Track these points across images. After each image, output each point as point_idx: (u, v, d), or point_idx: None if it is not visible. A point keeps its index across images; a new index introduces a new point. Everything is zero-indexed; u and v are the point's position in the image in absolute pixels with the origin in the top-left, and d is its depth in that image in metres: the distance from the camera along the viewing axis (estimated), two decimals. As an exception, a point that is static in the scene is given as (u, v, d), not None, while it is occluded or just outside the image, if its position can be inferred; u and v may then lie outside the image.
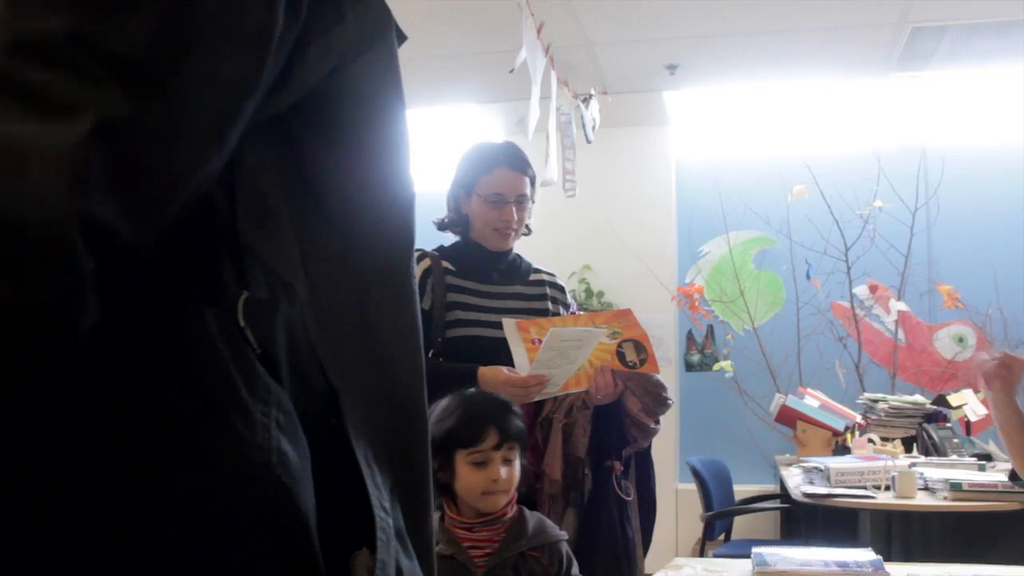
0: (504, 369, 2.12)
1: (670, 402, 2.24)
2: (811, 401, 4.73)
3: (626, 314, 2.30)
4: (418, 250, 2.18)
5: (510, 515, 1.79)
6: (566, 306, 2.52)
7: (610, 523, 2.18)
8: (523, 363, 2.12)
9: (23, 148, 0.50)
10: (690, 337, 5.82)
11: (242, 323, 0.65)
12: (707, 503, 4.28)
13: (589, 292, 5.71)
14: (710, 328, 5.79)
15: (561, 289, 2.54)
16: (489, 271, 2.38)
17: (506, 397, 1.91)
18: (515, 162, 2.35)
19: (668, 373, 5.60)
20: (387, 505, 0.72)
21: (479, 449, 1.73)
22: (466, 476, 1.73)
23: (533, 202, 2.43)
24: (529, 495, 2.09)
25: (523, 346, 2.14)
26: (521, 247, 6.55)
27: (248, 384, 0.63)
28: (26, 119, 0.50)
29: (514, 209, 2.33)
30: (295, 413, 0.66)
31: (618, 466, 2.22)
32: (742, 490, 4.95)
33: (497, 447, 1.74)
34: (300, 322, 0.69)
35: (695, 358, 5.81)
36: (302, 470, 0.65)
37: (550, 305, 2.43)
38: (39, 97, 0.51)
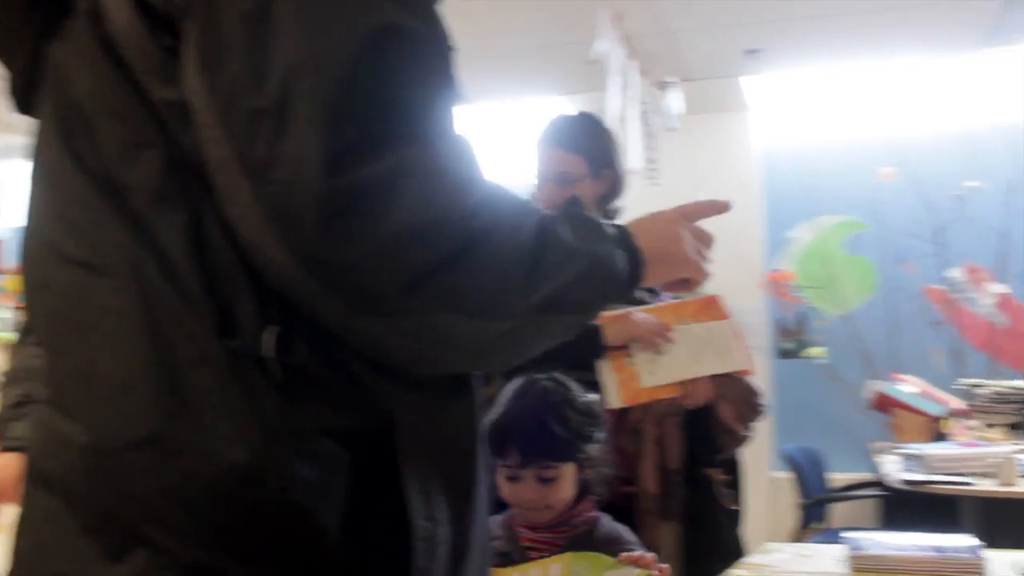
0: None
1: (766, 412, 2.11)
2: (907, 387, 4.63)
3: (713, 302, 2.07)
4: None
5: (581, 519, 1.67)
6: (654, 291, 2.17)
7: (723, 536, 2.06)
8: (610, 380, 1.91)
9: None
10: (781, 324, 5.73)
11: (269, 354, 0.72)
12: (803, 491, 4.23)
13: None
14: (801, 315, 5.69)
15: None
16: None
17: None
18: (553, 137, 2.17)
19: (759, 361, 5.54)
20: (436, 515, 0.77)
21: (506, 464, 1.61)
22: (503, 487, 1.63)
23: (588, 181, 2.13)
24: (616, 502, 1.94)
25: (610, 363, 1.93)
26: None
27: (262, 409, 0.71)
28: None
29: (552, 188, 2.13)
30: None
31: (718, 475, 2.08)
32: (837, 478, 4.87)
33: (523, 465, 1.59)
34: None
35: (787, 345, 5.72)
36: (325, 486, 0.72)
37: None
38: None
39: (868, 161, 5.36)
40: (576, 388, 1.72)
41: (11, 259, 5.08)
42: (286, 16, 0.68)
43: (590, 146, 2.15)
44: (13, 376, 1.26)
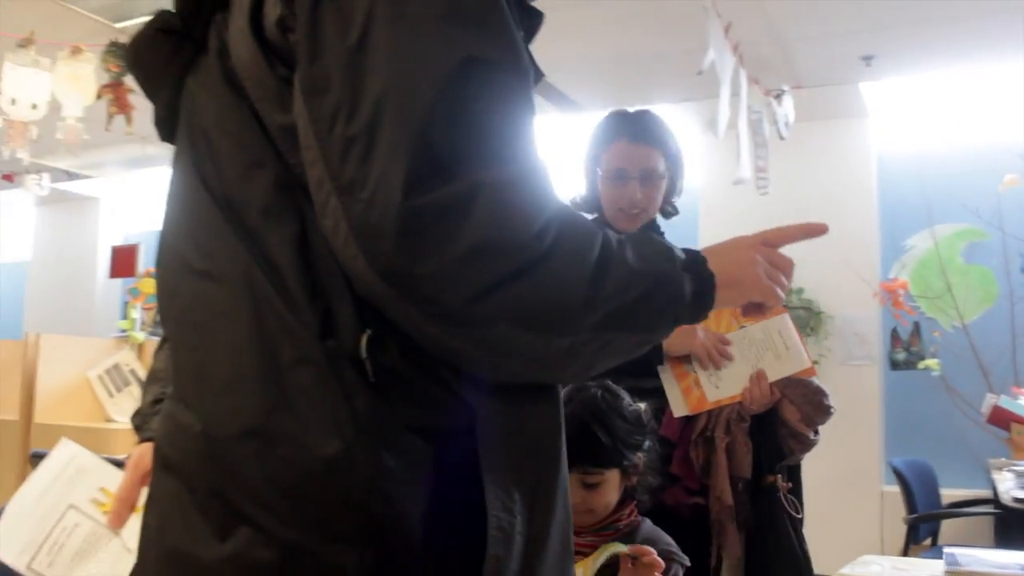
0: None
1: (832, 410, 2.00)
2: (1027, 402, 4.49)
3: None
4: None
5: (624, 523, 1.67)
6: None
7: (788, 544, 2.00)
8: (673, 389, 1.92)
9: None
10: (895, 334, 5.61)
11: (363, 355, 0.80)
12: (910, 506, 4.15)
13: (788, 288, 5.62)
14: (916, 325, 5.56)
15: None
16: None
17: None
18: (638, 133, 2.07)
19: (872, 372, 5.45)
20: (514, 507, 0.84)
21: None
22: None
23: (668, 177, 2.11)
24: (681, 514, 1.96)
25: (669, 368, 1.93)
26: (713, 236, 6.59)
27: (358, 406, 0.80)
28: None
29: (639, 186, 2.04)
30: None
31: (782, 482, 2.02)
32: (951, 494, 4.75)
33: (569, 469, 1.61)
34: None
35: (900, 356, 5.60)
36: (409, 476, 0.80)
37: None
38: None
39: (990, 168, 5.21)
40: (626, 397, 1.73)
41: (146, 263, 5.38)
42: (379, 52, 0.77)
43: (668, 143, 2.10)
44: (153, 376, 1.40)
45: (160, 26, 0.97)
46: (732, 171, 3.69)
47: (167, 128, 1.00)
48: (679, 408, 1.91)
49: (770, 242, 1.06)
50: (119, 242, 8.41)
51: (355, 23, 0.78)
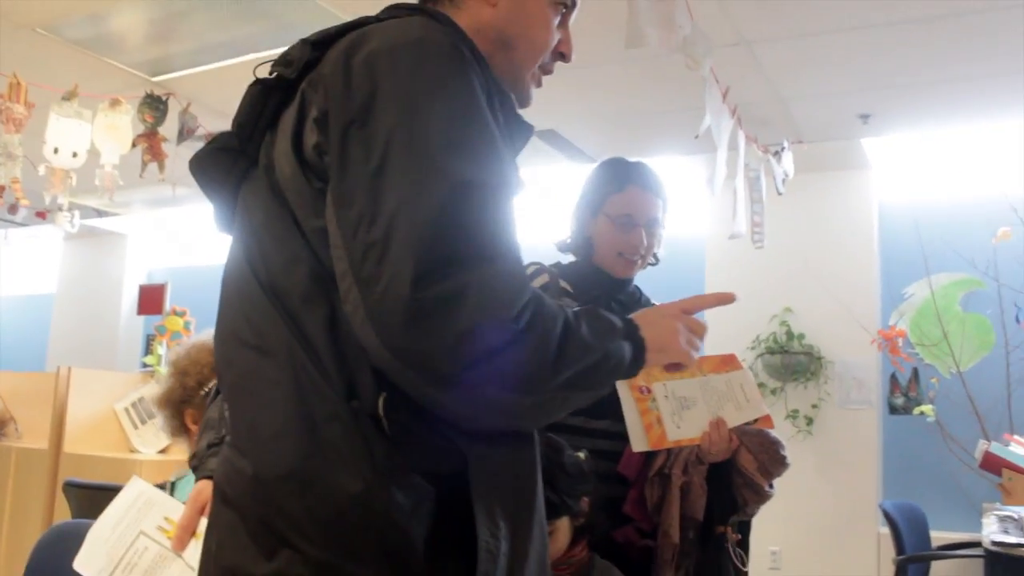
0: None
1: (788, 461, 2.01)
2: (1018, 449, 4.64)
3: (731, 359, 2.05)
4: (535, 263, 2.14)
5: (577, 558, 1.76)
6: None
7: None
8: (636, 425, 1.93)
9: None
10: (894, 380, 5.77)
11: (380, 413, 1.02)
12: (899, 547, 4.30)
13: (790, 334, 5.79)
14: (915, 371, 5.72)
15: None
16: (608, 300, 2.12)
17: (624, 396, 1.81)
18: (648, 182, 2.13)
19: (870, 416, 5.61)
20: (499, 533, 1.05)
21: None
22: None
23: (664, 228, 2.17)
24: (632, 556, 1.98)
25: (634, 404, 1.95)
26: (719, 284, 6.74)
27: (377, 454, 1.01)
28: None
29: (644, 233, 2.10)
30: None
31: (733, 534, 2.02)
32: (943, 537, 4.89)
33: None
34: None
35: (899, 401, 5.75)
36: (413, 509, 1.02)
37: None
38: None
39: (985, 219, 5.39)
40: (566, 448, 1.80)
41: (171, 301, 5.59)
42: (395, 175, 0.99)
43: (666, 196, 2.17)
44: (207, 424, 1.66)
45: (220, 146, 1.22)
46: (728, 226, 3.90)
47: (224, 224, 1.25)
48: (639, 443, 1.92)
49: (688, 309, 1.27)
50: (143, 277, 8.66)
51: (375, 150, 1.01)
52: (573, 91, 4.59)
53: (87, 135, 4.16)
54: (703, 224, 6.17)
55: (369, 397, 1.01)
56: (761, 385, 5.82)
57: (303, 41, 1.15)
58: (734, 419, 1.96)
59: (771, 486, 2.01)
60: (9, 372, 5.65)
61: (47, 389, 4.76)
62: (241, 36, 4.14)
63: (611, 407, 1.90)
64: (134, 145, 4.32)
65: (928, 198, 5.78)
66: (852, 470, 5.58)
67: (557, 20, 1.31)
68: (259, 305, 1.09)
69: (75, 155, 4.14)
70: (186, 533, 1.58)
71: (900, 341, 5.53)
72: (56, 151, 4.09)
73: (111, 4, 3.85)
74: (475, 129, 1.05)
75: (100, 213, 7.80)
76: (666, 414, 1.94)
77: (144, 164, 4.40)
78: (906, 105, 4.58)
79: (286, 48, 1.19)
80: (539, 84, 1.34)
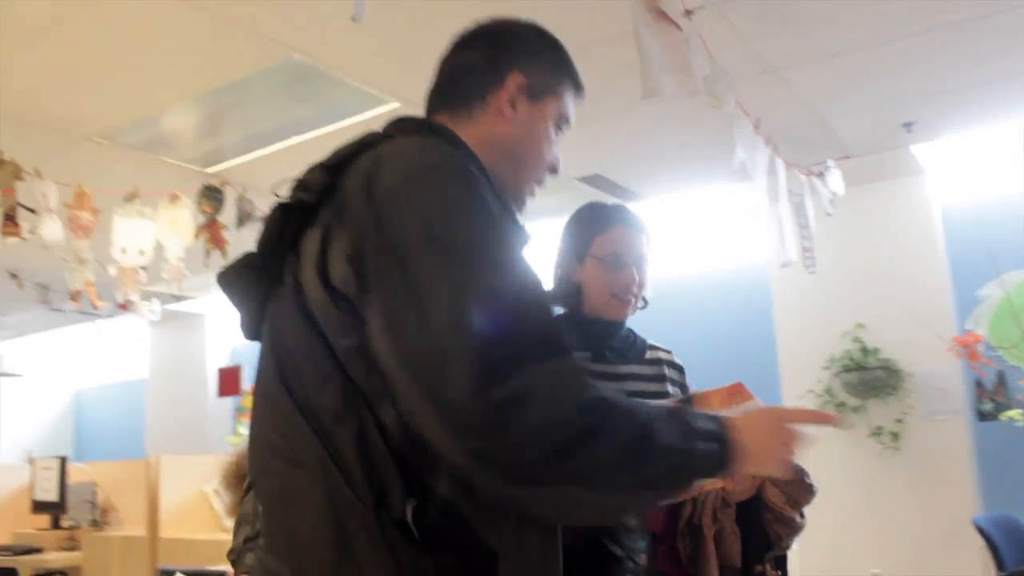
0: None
1: (815, 489, 1.96)
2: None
3: (739, 389, 1.95)
4: None
5: None
6: (685, 388, 2.16)
7: None
8: None
9: None
10: (979, 386, 5.61)
11: (409, 520, 1.08)
12: (999, 563, 4.16)
13: (864, 351, 5.69)
14: (1000, 375, 5.56)
15: (680, 369, 2.19)
16: (602, 349, 2.06)
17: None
18: (632, 219, 2.10)
19: (958, 426, 5.45)
20: None
21: None
22: None
23: (649, 265, 2.13)
24: None
25: None
26: (789, 310, 6.63)
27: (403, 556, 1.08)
28: None
29: (634, 271, 2.06)
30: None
31: (772, 570, 2.00)
32: (1047, 546, 4.71)
33: None
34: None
35: (987, 407, 5.58)
36: None
37: (668, 387, 2.11)
38: None
39: (1054, 212, 5.25)
40: None
41: (250, 380, 5.77)
42: (439, 294, 1.04)
43: (647, 230, 2.14)
44: (242, 519, 1.72)
45: (245, 264, 1.30)
46: (777, 255, 3.88)
47: (251, 331, 1.34)
48: None
49: (787, 419, 1.25)
50: (226, 354, 8.94)
51: (416, 276, 1.06)
52: (613, 135, 4.64)
53: (151, 232, 4.37)
54: (763, 250, 6.13)
55: (398, 506, 1.08)
56: (841, 404, 5.73)
57: (320, 166, 1.22)
58: None
59: (802, 515, 1.98)
60: (108, 462, 5.89)
61: (141, 477, 4.95)
62: (287, 121, 4.31)
63: None
64: (196, 236, 4.51)
65: (989, 196, 5.65)
66: (946, 483, 5.42)
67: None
68: (293, 421, 1.16)
69: (142, 252, 4.35)
70: None
71: (979, 346, 5.38)
72: (124, 251, 4.31)
73: (162, 108, 4.05)
74: (500, 241, 1.12)
75: (178, 298, 8.10)
76: None
77: (207, 253, 4.58)
78: (949, 109, 4.51)
79: (328, 136, 1.31)
80: (533, 194, 1.42)
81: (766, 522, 1.97)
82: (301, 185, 1.24)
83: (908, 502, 5.50)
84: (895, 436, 5.57)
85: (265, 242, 1.27)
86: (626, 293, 2.05)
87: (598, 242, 2.06)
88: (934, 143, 5.06)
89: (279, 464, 1.19)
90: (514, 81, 1.35)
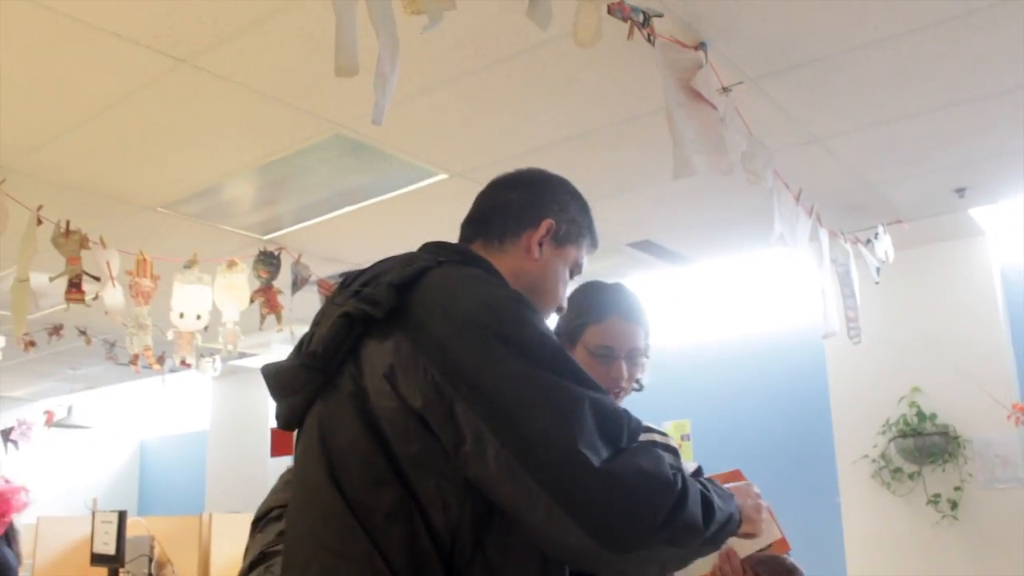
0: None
1: None
2: None
3: (736, 475, 1.93)
4: None
5: None
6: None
7: None
8: None
9: None
10: (1041, 454, 5.45)
11: None
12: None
13: (921, 415, 5.58)
14: (1062, 443, 5.40)
15: (675, 452, 2.09)
16: None
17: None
18: (630, 312, 2.03)
19: (1019, 495, 5.30)
20: None
21: None
22: None
23: (647, 357, 2.06)
24: None
25: None
26: (844, 374, 6.52)
27: None
28: None
29: (624, 365, 1.98)
30: None
31: None
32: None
33: None
34: None
35: (1049, 476, 5.42)
36: None
37: None
38: None
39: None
40: None
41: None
42: (536, 406, 1.17)
43: (647, 323, 2.07)
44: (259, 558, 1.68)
45: (302, 363, 1.37)
46: (819, 326, 3.87)
47: (288, 424, 1.43)
48: None
49: (758, 495, 1.55)
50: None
51: (502, 410, 1.18)
52: (663, 201, 4.68)
53: (208, 297, 4.52)
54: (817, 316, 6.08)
55: None
56: (897, 470, 5.61)
57: (389, 285, 1.31)
58: (745, 548, 1.85)
59: None
60: (165, 517, 6.03)
61: (195, 533, 5.07)
62: (340, 191, 4.44)
63: None
64: (252, 301, 4.65)
65: (1050, 260, 5.54)
66: (1006, 554, 5.25)
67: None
68: (341, 516, 1.24)
69: (199, 317, 4.49)
70: None
71: (1039, 413, 5.24)
72: (182, 316, 4.45)
73: (219, 179, 4.22)
74: (568, 355, 1.28)
75: (242, 354, 8.30)
76: None
77: (263, 317, 4.71)
78: (1002, 174, 4.46)
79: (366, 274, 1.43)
80: None
81: None
82: (368, 299, 1.32)
83: (966, 572, 5.34)
84: (953, 504, 5.43)
85: (328, 347, 1.34)
86: (613, 387, 1.97)
87: (591, 331, 1.99)
88: (993, 206, 5.00)
89: (323, 555, 1.25)
90: (545, 225, 1.54)
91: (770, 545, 1.87)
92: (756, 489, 1.55)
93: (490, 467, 1.16)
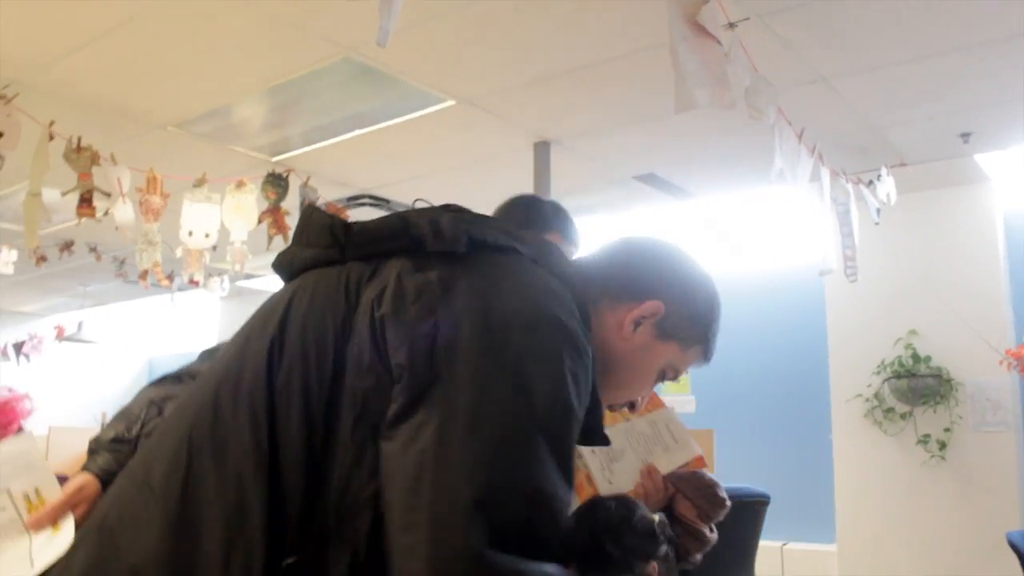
0: None
1: (728, 504, 1.92)
2: None
3: (651, 397, 1.88)
4: None
5: None
6: None
7: None
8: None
9: None
10: (1033, 399, 5.55)
11: None
12: (1031, 578, 4.14)
13: (916, 357, 5.67)
14: (1054, 389, 5.49)
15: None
16: None
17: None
18: (572, 234, 2.02)
19: (1008, 439, 5.40)
20: None
21: None
22: None
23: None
24: None
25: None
26: (842, 313, 6.58)
27: None
28: None
29: None
30: None
31: None
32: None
33: None
34: None
35: (1040, 421, 5.53)
36: None
37: None
38: None
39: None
40: (639, 510, 1.71)
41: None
42: (491, 451, 0.99)
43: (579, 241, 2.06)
44: (123, 414, 1.53)
45: (334, 229, 1.20)
46: (818, 263, 3.92)
47: (279, 264, 1.28)
48: (571, 506, 1.80)
49: None
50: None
51: (482, 420, 1.00)
52: (669, 135, 4.71)
53: (217, 216, 4.59)
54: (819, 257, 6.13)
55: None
56: (889, 410, 5.72)
57: (469, 236, 1.14)
58: (665, 464, 1.88)
59: (712, 529, 1.93)
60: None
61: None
62: (349, 115, 4.48)
63: None
64: (260, 221, 4.71)
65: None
66: (991, 496, 5.38)
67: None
68: (250, 395, 1.10)
69: (207, 236, 4.57)
70: (47, 519, 1.41)
71: (1032, 358, 5.31)
72: (191, 234, 4.53)
73: (230, 100, 4.26)
74: (569, 434, 1.09)
75: (248, 275, 8.39)
76: (595, 470, 1.85)
77: (270, 238, 4.78)
78: (1008, 120, 4.46)
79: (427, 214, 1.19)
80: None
81: (677, 536, 1.90)
82: (436, 228, 1.14)
83: (951, 512, 5.48)
84: (942, 445, 5.55)
85: (368, 231, 1.18)
86: None
87: None
88: (998, 152, 5.01)
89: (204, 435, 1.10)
90: (651, 307, 1.31)
91: (689, 462, 1.91)
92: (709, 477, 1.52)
93: (407, 456, 1.00)
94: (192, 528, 1.03)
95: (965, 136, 4.59)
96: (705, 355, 1.38)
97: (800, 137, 3.57)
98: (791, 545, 6.49)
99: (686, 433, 1.92)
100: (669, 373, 1.36)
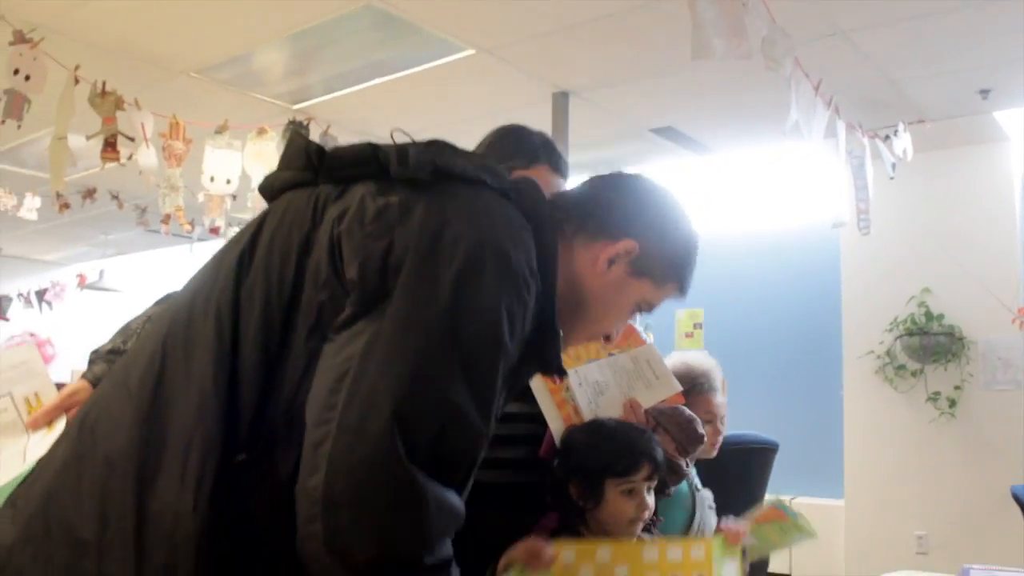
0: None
1: (704, 439, 1.98)
2: None
3: (630, 330, 1.96)
4: None
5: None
6: None
7: None
8: (555, 419, 1.85)
9: None
10: (1042, 357, 5.57)
11: None
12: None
13: (929, 315, 5.70)
14: (1064, 347, 5.51)
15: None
16: None
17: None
18: (561, 165, 2.02)
19: (1017, 398, 5.44)
20: None
21: (631, 479, 1.69)
22: (616, 504, 1.70)
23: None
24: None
25: (549, 396, 1.87)
26: (857, 270, 6.56)
27: None
28: None
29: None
30: None
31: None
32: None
33: (648, 478, 1.72)
34: None
35: (1051, 379, 5.55)
36: None
37: None
38: None
39: None
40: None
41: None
42: (409, 367, 1.04)
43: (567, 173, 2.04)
44: (124, 329, 1.66)
45: (309, 151, 1.24)
46: (831, 215, 3.96)
47: (261, 189, 1.31)
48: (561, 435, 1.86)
49: None
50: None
51: (404, 338, 1.05)
52: (687, 88, 4.72)
53: (238, 163, 4.65)
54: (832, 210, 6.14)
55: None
56: (901, 367, 5.76)
57: (434, 166, 1.17)
58: (646, 399, 1.93)
59: (688, 463, 2.00)
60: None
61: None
62: (370, 63, 4.51)
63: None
64: (280, 169, 4.77)
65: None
66: (998, 453, 5.44)
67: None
68: (217, 315, 1.15)
69: (228, 182, 4.63)
70: (43, 419, 1.54)
71: (1045, 317, 5.33)
72: (212, 180, 4.60)
73: (252, 47, 4.30)
74: (497, 367, 1.11)
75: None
76: (583, 403, 1.90)
77: (290, 185, 4.84)
78: (1027, 78, 4.46)
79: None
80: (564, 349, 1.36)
81: None
82: (403, 158, 1.18)
83: (958, 468, 5.54)
84: (952, 403, 5.59)
85: (340, 156, 1.23)
86: None
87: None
88: (1018, 110, 5.00)
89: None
90: (626, 246, 1.31)
91: (669, 398, 1.97)
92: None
93: (337, 357, 1.06)
94: (159, 423, 1.10)
95: (984, 92, 4.58)
96: (680, 291, 1.40)
97: (816, 89, 3.58)
98: (799, 499, 6.55)
99: (667, 370, 1.97)
100: (644, 307, 1.38)
